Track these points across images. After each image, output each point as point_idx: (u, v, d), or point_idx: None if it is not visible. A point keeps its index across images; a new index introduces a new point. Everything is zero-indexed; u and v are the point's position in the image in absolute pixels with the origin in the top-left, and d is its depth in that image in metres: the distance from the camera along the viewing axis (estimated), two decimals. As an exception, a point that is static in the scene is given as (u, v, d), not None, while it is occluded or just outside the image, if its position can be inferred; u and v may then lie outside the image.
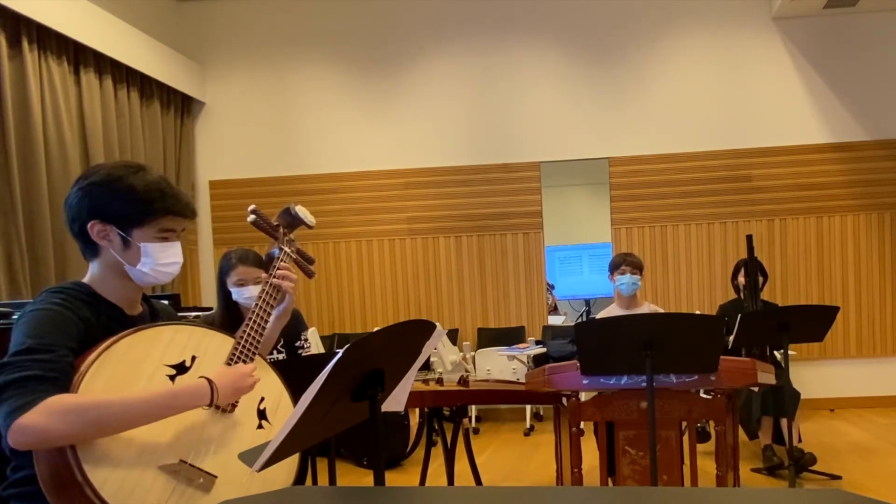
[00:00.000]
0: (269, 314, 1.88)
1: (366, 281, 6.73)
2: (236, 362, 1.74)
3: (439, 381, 3.42)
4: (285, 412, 1.80)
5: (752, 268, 4.34)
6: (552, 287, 7.94)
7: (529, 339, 6.41)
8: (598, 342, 2.72)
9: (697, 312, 5.95)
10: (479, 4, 6.64)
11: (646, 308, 4.14)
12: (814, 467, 4.29)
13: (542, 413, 6.42)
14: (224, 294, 2.91)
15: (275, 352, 2.91)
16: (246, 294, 2.82)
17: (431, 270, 6.69)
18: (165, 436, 1.56)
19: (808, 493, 1.01)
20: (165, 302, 2.15)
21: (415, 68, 6.70)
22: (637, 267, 4.01)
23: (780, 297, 6.30)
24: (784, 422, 4.18)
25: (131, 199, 1.63)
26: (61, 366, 1.48)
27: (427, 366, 5.88)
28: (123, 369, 1.54)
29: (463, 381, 3.38)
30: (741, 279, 4.62)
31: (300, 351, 3.01)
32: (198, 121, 6.85)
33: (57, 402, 1.42)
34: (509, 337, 6.43)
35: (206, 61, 6.80)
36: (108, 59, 5.46)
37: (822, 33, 6.39)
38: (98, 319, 1.62)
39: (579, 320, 7.54)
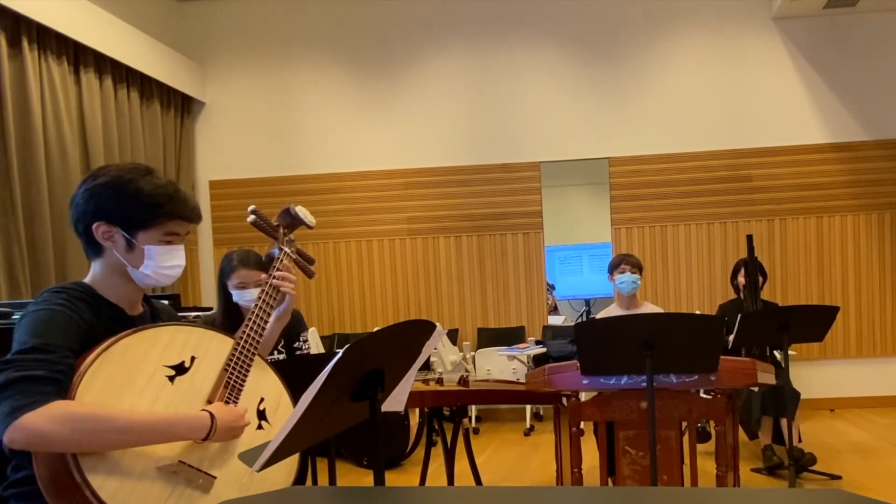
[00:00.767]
0: (269, 315, 1.88)
1: (366, 281, 6.73)
2: (235, 362, 1.74)
3: (439, 381, 3.42)
4: (285, 412, 1.80)
5: (752, 268, 4.34)
6: (553, 287, 7.94)
7: (529, 339, 6.41)
8: (598, 342, 2.72)
9: (697, 312, 5.95)
10: (479, 4, 6.64)
11: (646, 308, 4.14)
12: (814, 467, 4.29)
13: (542, 413, 6.42)
14: (224, 295, 2.90)
15: (275, 352, 2.91)
16: (247, 297, 2.82)
17: (431, 270, 6.69)
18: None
19: (808, 493, 1.01)
20: (166, 302, 2.15)
21: (415, 68, 6.70)
22: (637, 266, 4.02)
23: (780, 297, 6.30)
24: (784, 422, 4.18)
25: (138, 203, 1.63)
26: (64, 367, 1.48)
27: (427, 366, 5.88)
28: (122, 370, 1.54)
29: (463, 381, 3.38)
30: (741, 279, 4.63)
31: (298, 352, 3.01)
32: (198, 121, 6.85)
33: (62, 407, 1.42)
34: (509, 337, 6.43)
35: (206, 61, 6.80)
36: (108, 59, 5.46)
37: (822, 33, 6.39)
38: (99, 320, 1.62)
39: (579, 320, 7.54)
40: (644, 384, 2.70)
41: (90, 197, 1.63)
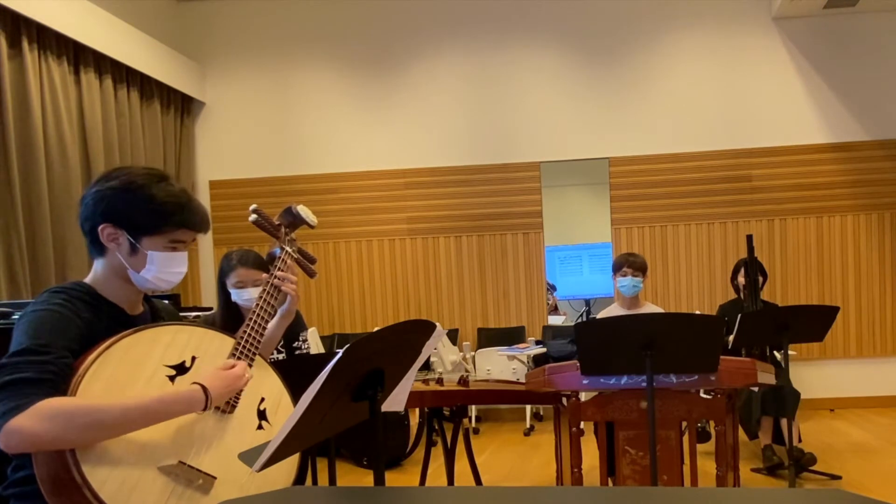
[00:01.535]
0: (270, 314, 1.88)
1: (366, 281, 6.73)
2: (236, 363, 1.74)
3: (439, 381, 3.42)
4: (285, 412, 1.80)
5: (752, 268, 4.34)
6: (554, 288, 7.94)
7: (529, 339, 6.41)
8: (598, 342, 2.72)
9: (697, 312, 5.95)
10: (479, 4, 6.64)
11: (647, 309, 4.14)
12: (814, 467, 4.29)
13: (542, 413, 6.41)
14: (224, 294, 2.91)
15: (275, 352, 2.91)
16: (245, 296, 2.82)
17: (431, 270, 6.69)
18: (164, 437, 1.56)
19: (808, 493, 1.01)
20: (166, 302, 2.15)
21: (415, 68, 6.70)
22: (639, 268, 4.00)
23: (780, 297, 6.30)
24: (784, 422, 4.18)
25: (148, 209, 1.63)
26: (58, 367, 1.47)
27: (427, 366, 5.88)
28: (123, 370, 1.54)
29: (463, 381, 3.38)
30: (741, 279, 4.63)
31: (298, 352, 3.01)
32: (198, 121, 6.85)
33: (47, 406, 1.41)
34: (509, 337, 6.43)
35: (206, 61, 6.80)
36: (108, 59, 5.46)
37: (822, 33, 6.39)
38: (99, 320, 1.62)
39: (579, 320, 7.54)
40: (644, 384, 2.70)
41: (101, 199, 1.63)
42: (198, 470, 1.58)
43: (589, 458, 3.50)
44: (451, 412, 3.48)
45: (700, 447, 4.03)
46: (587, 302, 8.26)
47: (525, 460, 5.06)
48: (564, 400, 3.18)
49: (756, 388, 4.38)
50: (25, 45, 4.66)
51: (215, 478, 1.61)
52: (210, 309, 4.56)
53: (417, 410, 4.84)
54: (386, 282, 6.72)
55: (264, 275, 1.96)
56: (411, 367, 1.74)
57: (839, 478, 4.22)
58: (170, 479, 1.54)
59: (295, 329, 2.96)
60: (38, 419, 1.40)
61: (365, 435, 1.64)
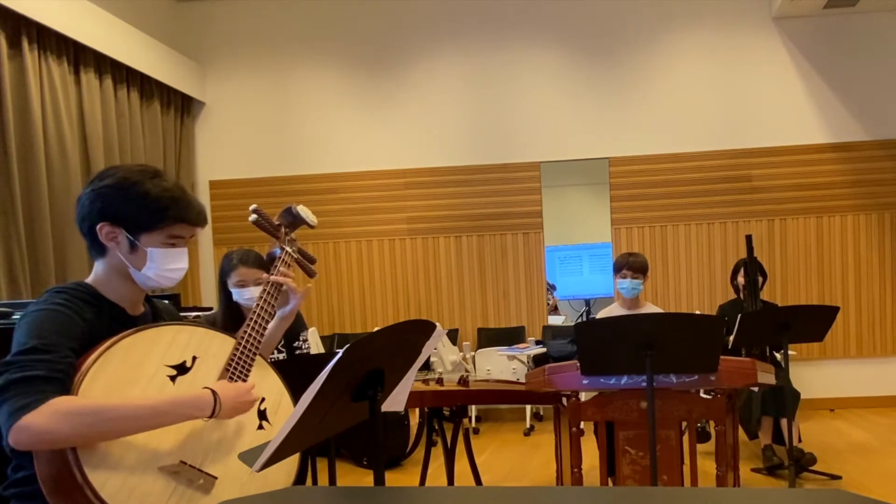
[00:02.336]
0: (271, 314, 1.88)
1: (366, 281, 6.74)
2: (237, 362, 1.74)
3: (439, 381, 3.42)
4: (285, 412, 1.80)
5: (751, 268, 4.34)
6: (553, 288, 7.94)
7: (529, 339, 6.41)
8: (598, 342, 2.72)
9: (697, 312, 5.95)
10: (480, 4, 6.64)
11: (647, 309, 4.13)
12: (814, 467, 4.29)
13: (542, 413, 6.42)
14: (225, 294, 2.91)
15: (275, 352, 2.91)
16: (246, 295, 2.82)
17: (431, 270, 6.69)
18: (165, 437, 1.56)
19: (808, 493, 1.01)
20: (166, 302, 2.15)
21: (415, 68, 6.70)
22: (639, 270, 4.00)
23: (780, 297, 6.30)
24: (784, 422, 4.18)
25: (144, 205, 1.63)
26: (65, 367, 1.48)
27: (427, 366, 5.88)
28: (124, 369, 1.54)
29: (463, 381, 3.38)
30: (741, 279, 4.63)
31: (298, 351, 3.01)
32: (198, 121, 6.85)
33: (62, 403, 1.42)
34: (509, 337, 6.43)
35: (206, 61, 6.80)
36: (108, 59, 5.46)
37: (822, 33, 6.39)
38: (100, 320, 1.62)
39: (579, 320, 7.54)
40: (644, 384, 2.70)
41: (96, 197, 1.63)
42: (199, 470, 1.58)
43: (589, 458, 3.50)
44: (451, 412, 3.48)
45: (700, 447, 4.03)
46: (587, 302, 8.26)
47: (525, 460, 5.06)
48: (564, 400, 3.19)
49: (756, 388, 4.39)
50: (25, 45, 4.66)
51: (216, 478, 1.61)
52: (210, 309, 4.57)
53: (417, 410, 4.84)
54: (386, 282, 6.72)
55: (265, 274, 1.95)
56: (411, 367, 1.74)
57: (839, 478, 4.22)
58: (171, 479, 1.54)
59: (295, 329, 2.96)
60: (50, 417, 1.40)
61: (365, 435, 1.64)
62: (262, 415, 1.78)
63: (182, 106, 6.61)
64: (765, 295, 4.82)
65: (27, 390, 1.42)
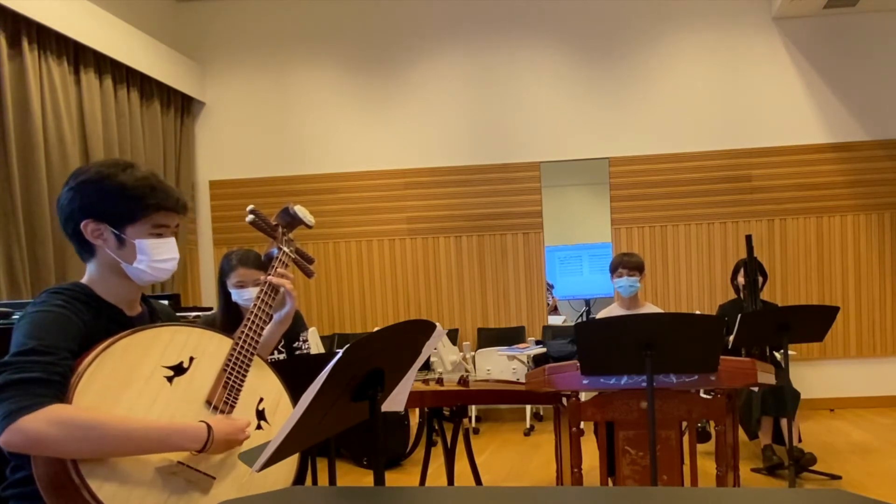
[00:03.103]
0: (268, 315, 1.87)
1: (366, 281, 6.73)
2: (234, 363, 1.74)
3: (439, 381, 3.42)
4: (284, 413, 1.80)
5: (751, 268, 4.34)
6: (552, 287, 7.94)
7: (529, 339, 6.41)
8: (598, 342, 2.72)
9: (697, 312, 5.95)
10: (480, 4, 6.64)
11: (646, 309, 4.13)
12: (814, 467, 4.29)
13: (542, 413, 6.41)
14: (224, 295, 2.90)
15: (275, 352, 2.90)
16: (245, 296, 2.82)
17: (431, 270, 6.69)
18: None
19: (808, 493, 1.01)
20: (165, 302, 2.15)
21: (415, 68, 6.70)
22: (635, 268, 4.00)
23: (780, 297, 6.30)
24: (784, 422, 4.18)
25: (122, 196, 1.63)
26: (63, 369, 1.48)
27: (427, 366, 5.88)
28: (121, 370, 1.54)
29: (463, 381, 3.37)
30: (741, 279, 4.62)
31: (298, 352, 3.00)
32: (198, 121, 6.85)
33: (60, 411, 1.42)
34: (509, 337, 6.43)
35: (206, 61, 6.80)
36: (108, 59, 5.46)
37: (822, 33, 6.39)
38: (98, 320, 1.62)
39: (579, 320, 7.54)
40: (644, 384, 2.70)
41: (74, 196, 1.63)
42: (196, 470, 1.58)
43: (589, 458, 3.50)
44: (451, 412, 3.47)
45: (700, 447, 4.03)
46: (587, 302, 8.26)
47: (525, 460, 5.06)
48: (564, 400, 3.18)
49: (756, 388, 4.38)
50: (25, 45, 4.66)
51: (214, 478, 1.61)
52: (210, 309, 4.56)
53: (417, 410, 4.84)
54: (386, 282, 6.72)
55: (264, 275, 1.95)
56: (411, 367, 1.74)
57: (839, 478, 4.22)
58: (169, 480, 1.54)
59: (295, 329, 2.95)
60: (47, 424, 1.40)
61: (365, 435, 1.64)
62: (261, 415, 1.77)
63: (182, 106, 6.61)
64: (765, 295, 4.82)
65: (25, 392, 1.42)
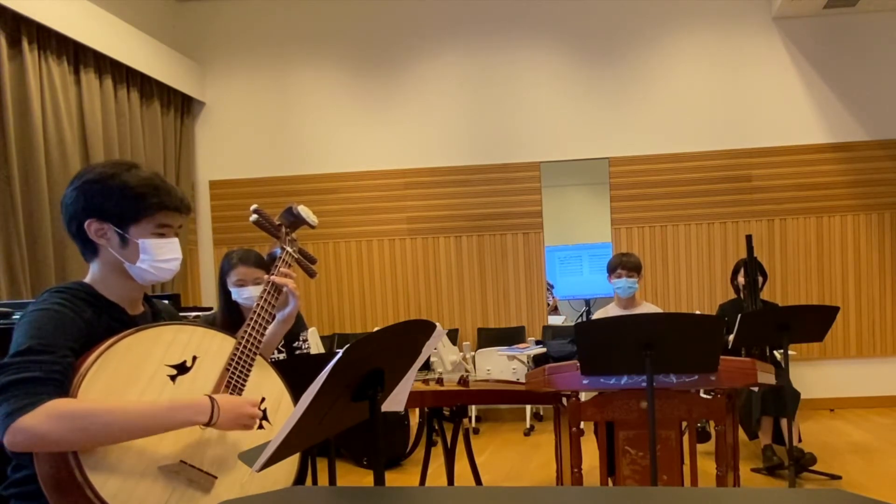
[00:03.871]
0: (271, 314, 1.88)
1: (366, 281, 6.73)
2: (237, 362, 1.74)
3: (439, 381, 3.42)
4: (286, 412, 1.80)
5: (751, 268, 4.34)
6: (552, 287, 7.94)
7: (529, 339, 6.41)
8: (597, 342, 2.72)
9: (697, 312, 5.95)
10: (479, 4, 6.64)
11: (644, 308, 4.14)
12: (814, 467, 4.29)
13: (542, 413, 6.42)
14: (225, 294, 2.90)
15: (275, 352, 2.90)
16: (245, 294, 2.82)
17: (431, 270, 6.69)
18: (166, 436, 1.56)
19: (808, 493, 1.01)
20: (166, 302, 2.15)
21: (415, 68, 6.70)
22: (633, 269, 4.00)
23: (780, 297, 6.30)
24: (784, 422, 4.18)
25: (126, 196, 1.63)
26: (62, 367, 1.48)
27: (427, 366, 5.88)
28: (124, 369, 1.54)
29: (463, 381, 3.38)
30: (741, 279, 4.63)
31: (298, 351, 3.01)
32: (198, 121, 6.85)
33: (58, 406, 1.42)
34: (509, 337, 6.43)
35: (206, 61, 6.80)
36: (108, 59, 5.46)
37: (822, 33, 6.39)
38: (100, 319, 1.62)
39: (579, 320, 7.54)
40: (644, 384, 2.70)
41: (78, 196, 1.65)
42: (199, 469, 1.58)
43: (589, 458, 3.50)
44: (451, 412, 3.48)
45: (700, 447, 4.03)
46: (587, 302, 8.26)
47: (525, 460, 5.06)
48: (564, 400, 3.19)
49: (756, 388, 4.38)
50: (25, 45, 4.66)
51: (216, 477, 1.61)
52: (210, 309, 4.56)
53: (417, 410, 4.84)
54: (386, 282, 6.72)
55: (264, 273, 1.95)
56: (411, 367, 1.74)
57: (839, 478, 4.22)
58: (171, 479, 1.54)
59: (295, 329, 2.95)
60: (46, 419, 1.40)
61: (365, 435, 1.64)
62: (263, 415, 1.78)
63: (182, 106, 6.61)
64: (765, 295, 4.82)
65: (24, 392, 1.42)
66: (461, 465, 3.60)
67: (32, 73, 4.69)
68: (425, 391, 3.22)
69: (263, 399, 1.79)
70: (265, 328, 1.84)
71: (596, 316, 4.15)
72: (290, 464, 1.75)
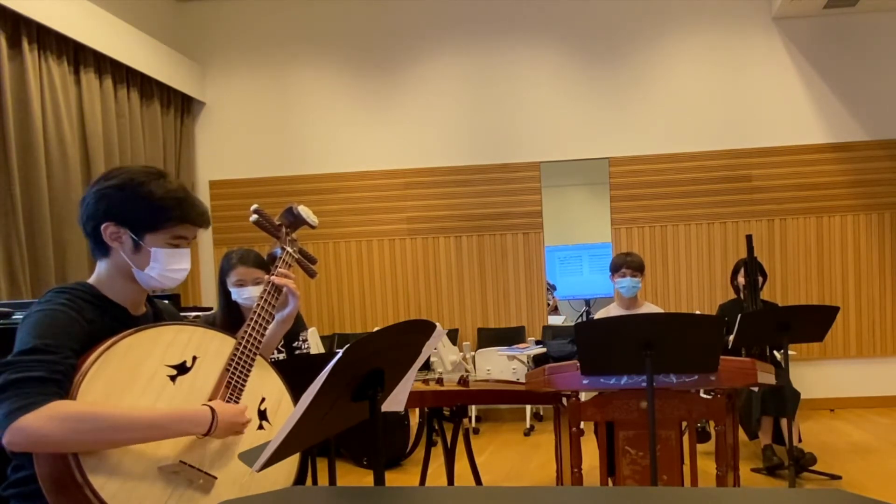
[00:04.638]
0: (271, 314, 1.88)
1: (366, 281, 6.73)
2: (237, 362, 1.74)
3: (439, 381, 3.42)
4: (286, 412, 1.80)
5: (751, 268, 4.34)
6: (553, 288, 7.94)
7: (529, 339, 6.41)
8: (597, 342, 2.72)
9: (697, 312, 5.95)
10: (480, 4, 6.64)
11: (645, 308, 4.14)
12: (814, 467, 4.29)
13: (542, 413, 6.41)
14: (224, 294, 2.91)
15: (275, 352, 2.90)
16: (245, 294, 2.82)
17: (431, 270, 6.69)
18: (166, 436, 1.56)
19: (808, 493, 1.02)
20: (166, 302, 2.16)
21: (415, 68, 6.70)
22: (637, 268, 4.00)
23: (780, 297, 6.30)
24: (784, 422, 4.18)
25: (149, 206, 1.64)
26: (65, 367, 1.48)
27: (427, 366, 5.88)
28: (124, 369, 1.54)
29: (463, 381, 3.38)
30: (741, 279, 4.63)
31: (298, 351, 3.01)
32: (198, 121, 6.85)
33: (60, 407, 1.42)
34: (509, 337, 6.43)
35: (206, 61, 6.80)
36: (108, 59, 5.46)
37: (822, 33, 6.39)
38: (102, 320, 1.62)
39: (579, 320, 7.54)
40: (644, 384, 2.70)
41: (101, 198, 1.64)
42: (198, 469, 1.58)
43: (589, 458, 3.50)
44: (451, 412, 3.48)
45: (700, 447, 4.03)
46: (587, 302, 8.26)
47: (525, 460, 5.06)
48: (564, 400, 3.19)
49: (756, 388, 4.38)
50: (25, 45, 4.66)
51: (216, 477, 1.61)
52: (210, 309, 4.57)
53: (417, 410, 4.84)
54: (386, 282, 6.72)
55: (264, 274, 1.95)
56: (411, 367, 1.74)
57: (839, 478, 4.22)
58: (171, 479, 1.54)
59: (295, 329, 2.95)
60: (47, 420, 1.40)
61: (365, 435, 1.64)
62: (262, 415, 1.78)
63: (182, 106, 6.61)
64: (765, 295, 4.82)
65: (26, 391, 1.42)
66: (461, 465, 3.60)
67: (32, 73, 4.69)
68: (425, 391, 3.22)
69: (264, 399, 1.79)
70: (265, 328, 1.84)
71: (597, 316, 4.15)
72: (290, 464, 1.75)
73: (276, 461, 1.44)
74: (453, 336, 6.56)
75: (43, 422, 1.40)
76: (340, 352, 1.41)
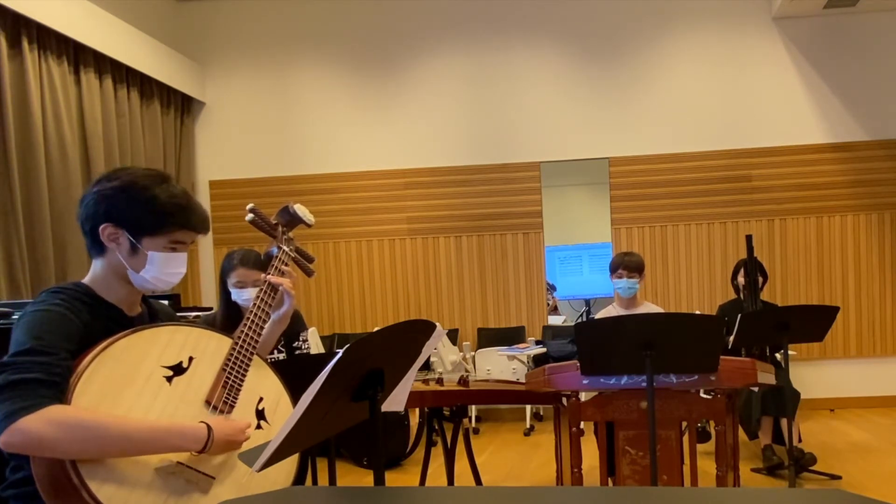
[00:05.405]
0: (267, 314, 1.87)
1: (366, 281, 6.73)
2: (234, 363, 1.74)
3: (439, 381, 3.42)
4: (284, 412, 1.80)
5: (751, 268, 4.34)
6: (553, 288, 7.94)
7: (529, 339, 6.41)
8: (597, 342, 2.72)
9: (697, 312, 5.94)
10: (480, 4, 6.63)
11: (645, 308, 4.13)
12: (814, 467, 4.29)
13: (542, 413, 6.41)
14: (225, 294, 2.91)
15: (275, 351, 2.90)
16: (245, 296, 2.82)
17: (431, 270, 6.69)
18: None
19: (808, 493, 1.01)
20: (165, 302, 2.15)
21: (415, 68, 6.70)
22: (635, 269, 3.99)
23: (780, 297, 6.30)
24: (784, 422, 4.18)
25: (150, 210, 1.64)
26: (62, 369, 1.48)
27: (427, 366, 5.88)
28: (120, 370, 1.54)
29: (463, 381, 3.37)
30: (741, 279, 4.62)
31: (298, 351, 3.00)
32: (198, 121, 6.85)
33: (60, 412, 1.42)
34: (509, 337, 6.43)
35: (206, 61, 6.80)
36: (108, 59, 5.45)
37: (822, 33, 6.39)
38: (97, 320, 1.62)
39: (579, 320, 7.54)
40: (644, 384, 2.70)
41: (102, 199, 1.64)
42: (196, 470, 1.58)
43: (589, 458, 3.50)
44: (451, 412, 3.47)
45: (700, 447, 4.03)
46: (587, 302, 8.26)
47: (525, 460, 5.06)
48: (564, 400, 3.18)
49: (756, 388, 4.38)
50: (25, 45, 4.65)
51: (213, 478, 1.61)
52: (210, 309, 4.57)
53: (417, 410, 4.84)
54: (386, 282, 6.72)
55: (264, 275, 1.94)
56: (411, 367, 1.74)
57: (839, 478, 4.22)
58: (168, 480, 1.54)
59: (295, 329, 2.95)
60: (45, 424, 1.40)
61: (365, 435, 1.64)
62: (261, 415, 1.77)
63: (182, 106, 6.61)
64: (765, 295, 4.82)
65: (24, 393, 1.42)
66: (461, 465, 3.60)
67: (32, 73, 4.69)
68: (425, 391, 3.22)
69: (261, 399, 1.79)
70: (262, 328, 1.84)
71: (597, 316, 4.15)
72: (290, 464, 1.75)
73: (276, 461, 1.44)
74: (453, 336, 6.56)
75: (42, 425, 1.40)
76: (340, 352, 1.41)
